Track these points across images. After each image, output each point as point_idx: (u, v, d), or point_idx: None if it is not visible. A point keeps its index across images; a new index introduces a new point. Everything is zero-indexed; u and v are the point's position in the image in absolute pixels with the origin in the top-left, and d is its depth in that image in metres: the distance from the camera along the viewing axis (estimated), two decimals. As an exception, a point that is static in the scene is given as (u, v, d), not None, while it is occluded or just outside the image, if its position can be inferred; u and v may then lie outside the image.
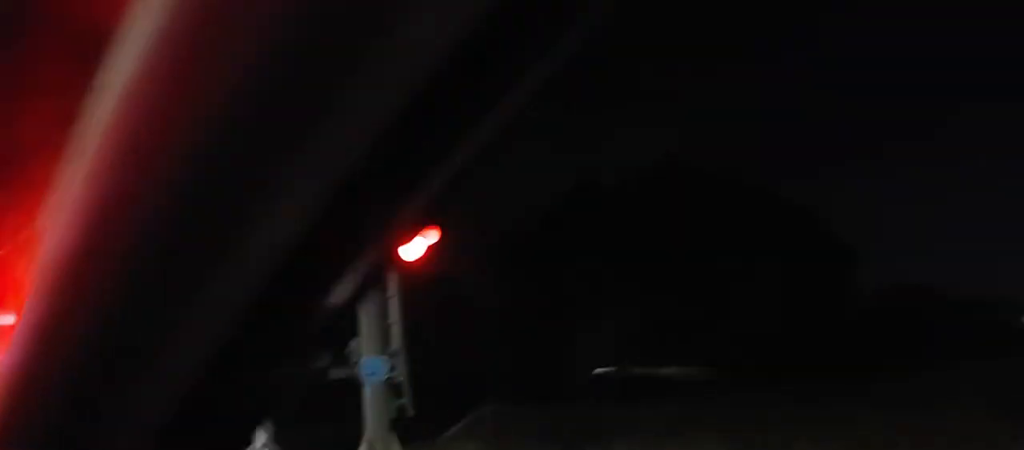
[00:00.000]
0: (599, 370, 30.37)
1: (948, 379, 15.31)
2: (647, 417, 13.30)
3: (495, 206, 33.56)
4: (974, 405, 10.75)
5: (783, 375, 22.09)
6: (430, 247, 9.75)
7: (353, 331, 10.01)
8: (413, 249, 9.67)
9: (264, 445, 10.89)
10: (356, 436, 9.93)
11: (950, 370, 17.54)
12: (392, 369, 9.89)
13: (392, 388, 9.98)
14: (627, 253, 30.50)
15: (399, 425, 10.06)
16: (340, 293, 0.68)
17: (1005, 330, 46.92)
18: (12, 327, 0.73)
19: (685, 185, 32.34)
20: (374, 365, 9.73)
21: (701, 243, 31.17)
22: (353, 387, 10.07)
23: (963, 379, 15.29)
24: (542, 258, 31.20)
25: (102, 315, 0.65)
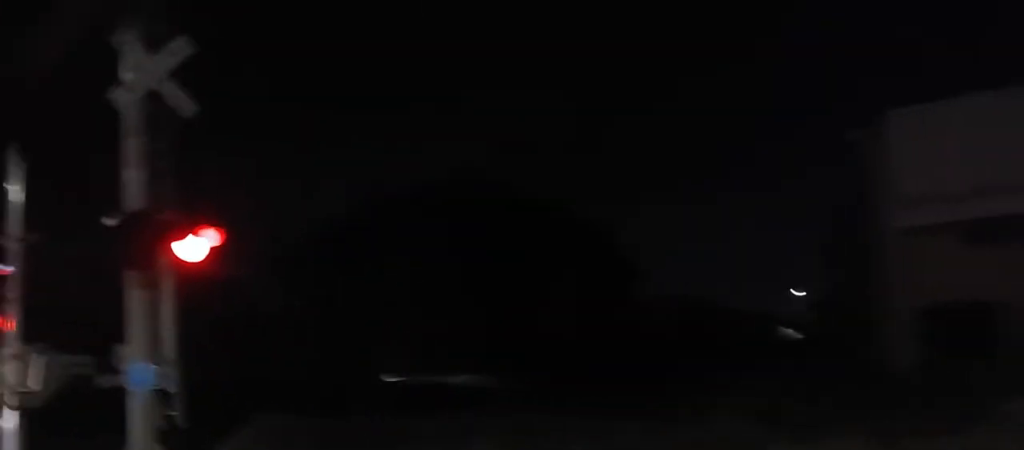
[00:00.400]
0: (386, 379, 30.14)
1: (715, 387, 16.38)
2: (429, 427, 13.31)
3: (285, 213, 32.62)
4: (737, 411, 11.50)
5: (564, 386, 22.80)
6: (213, 250, 9.24)
7: (121, 336, 9.33)
8: (193, 250, 9.14)
9: (16, 459, 9.95)
10: (119, 447, 9.26)
11: (718, 379, 18.79)
12: (163, 377, 9.28)
13: (162, 397, 9.36)
14: (419, 264, 30.57)
15: (169, 437, 9.46)
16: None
17: (766, 341, 50.95)
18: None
19: (481, 200, 32.87)
20: (142, 372, 9.09)
21: (493, 257, 31.76)
22: (120, 396, 9.38)
23: (729, 387, 16.42)
24: (332, 267, 30.71)
25: None
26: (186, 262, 9.18)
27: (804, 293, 67.66)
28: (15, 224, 10.62)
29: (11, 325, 10.36)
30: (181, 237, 9.06)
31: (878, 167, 21.62)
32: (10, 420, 10.00)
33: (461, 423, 13.80)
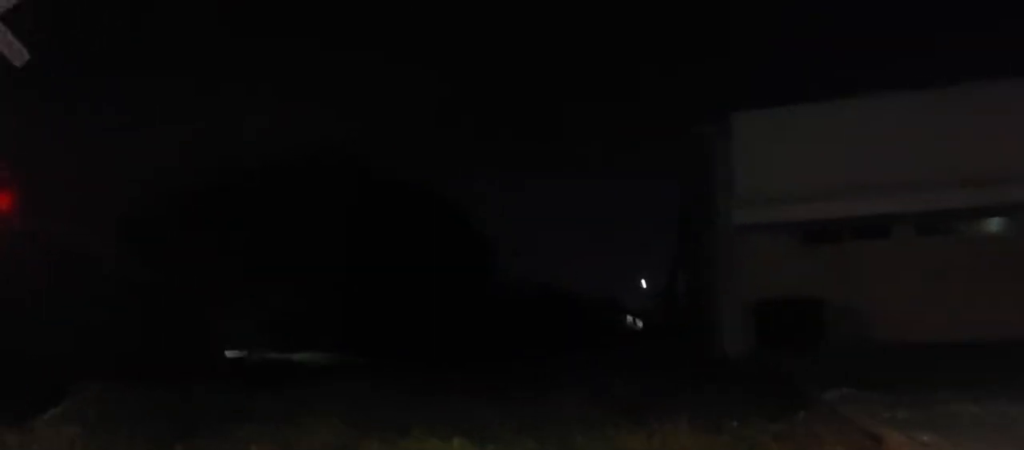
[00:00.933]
0: (229, 354, 29.26)
1: (560, 369, 16.80)
2: (271, 402, 13.01)
3: (127, 174, 31.10)
4: (579, 393, 11.81)
5: (410, 364, 22.78)
6: (9, 195, 8.67)
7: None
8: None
9: None
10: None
11: (563, 361, 19.28)
12: (-25, 341, 8.66)
13: (-27, 363, 8.74)
14: (268, 236, 29.78)
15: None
16: None
17: (611, 327, 52.56)
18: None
19: (336, 173, 32.29)
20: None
21: (346, 233, 31.29)
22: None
23: (572, 369, 16.87)
24: (175, 232, 29.49)
25: None
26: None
27: (647, 283, 70.22)
28: None
29: None
30: None
31: (721, 164, 22.60)
32: None
33: (298, 399, 13.57)
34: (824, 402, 11.01)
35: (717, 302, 22.98)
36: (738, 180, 22.00)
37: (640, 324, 67.04)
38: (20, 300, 12.12)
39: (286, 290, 31.31)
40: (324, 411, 11.09)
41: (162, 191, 31.08)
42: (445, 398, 12.41)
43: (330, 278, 31.08)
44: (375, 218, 32.13)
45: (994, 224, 21.74)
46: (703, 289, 27.51)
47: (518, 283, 48.89)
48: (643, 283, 72.56)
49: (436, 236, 36.39)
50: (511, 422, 9.90)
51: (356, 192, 31.80)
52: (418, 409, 11.29)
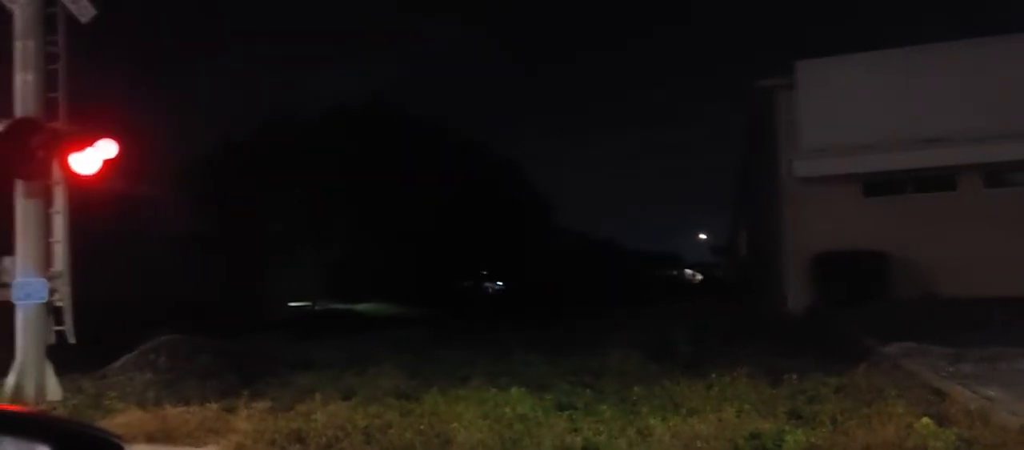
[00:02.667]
0: (291, 304, 29.92)
1: (618, 324, 16.81)
2: (334, 351, 13.33)
3: (193, 131, 31.64)
4: (637, 346, 11.86)
5: (468, 316, 23.04)
6: (107, 162, 8.93)
7: (8, 248, 9.01)
8: (89, 162, 8.83)
9: None
10: (6, 365, 9.00)
11: (621, 316, 19.29)
12: (53, 292, 9.01)
13: (52, 312, 9.11)
14: (325, 191, 30.16)
15: (58, 353, 9.23)
16: None
17: (668, 282, 52.24)
18: None
19: (393, 127, 32.48)
20: (30, 287, 8.81)
21: (404, 183, 31.52)
22: (7, 310, 9.08)
23: (631, 323, 16.89)
24: (239, 187, 30.04)
25: None
26: (80, 174, 8.88)
27: (707, 237, 69.60)
28: None
29: None
30: (75, 148, 8.74)
31: (785, 117, 22.15)
32: None
33: (360, 348, 13.86)
34: (886, 355, 10.87)
35: (779, 255, 22.69)
36: (802, 132, 21.55)
37: (699, 277, 66.59)
38: (102, 258, 12.55)
39: (350, 244, 31.79)
40: (386, 359, 11.33)
41: (230, 147, 31.63)
42: (503, 350, 12.56)
43: (392, 230, 31.42)
44: (435, 171, 32.28)
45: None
46: (765, 242, 27.18)
47: (576, 236, 48.78)
48: (703, 236, 71.98)
49: (495, 190, 36.47)
50: (568, 375, 10.00)
51: (416, 146, 31.96)
52: (476, 360, 11.45)
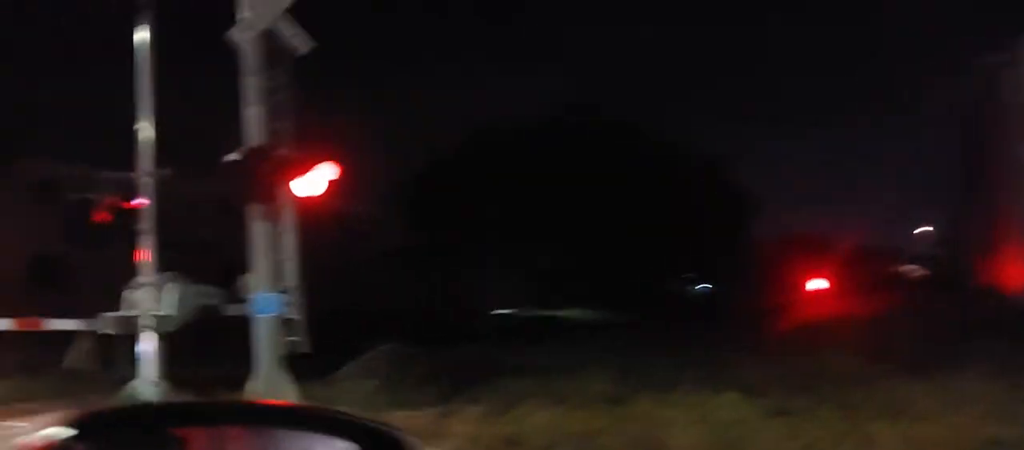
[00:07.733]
0: (497, 312, 30.60)
1: (830, 324, 16.04)
2: (543, 357, 13.56)
3: (399, 150, 33.23)
4: (853, 348, 11.33)
5: (668, 321, 22.74)
6: (331, 183, 9.57)
7: (245, 267, 9.81)
8: (313, 185, 9.50)
9: (155, 382, 10.70)
10: (247, 373, 9.78)
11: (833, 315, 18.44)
12: (286, 306, 9.73)
13: (285, 324, 9.83)
14: (525, 201, 30.71)
15: (291, 362, 9.94)
16: None
17: (888, 277, 49.17)
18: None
19: (594, 134, 32.66)
20: (266, 301, 9.56)
21: (608, 191, 31.58)
22: (245, 324, 9.89)
23: (844, 322, 16.10)
24: (445, 200, 31.21)
25: None
26: (305, 196, 9.56)
27: (930, 228, 65.00)
28: (147, 160, 11.26)
29: (146, 255, 11.08)
30: (300, 172, 9.42)
31: (1010, 95, 20.42)
32: (149, 343, 10.75)
33: (568, 353, 14.02)
34: None
35: (1004, 246, 20.92)
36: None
37: (923, 271, 62.24)
38: (326, 273, 13.40)
39: (551, 248, 32.19)
40: (594, 364, 11.40)
41: (436, 162, 32.91)
42: (710, 353, 12.33)
43: (596, 235, 31.52)
44: (637, 175, 32.09)
45: None
46: (989, 233, 25.18)
47: (787, 235, 46.91)
48: (924, 228, 67.30)
49: (699, 190, 35.73)
50: (782, 378, 9.68)
51: (618, 151, 31.96)
52: (684, 364, 11.29)
